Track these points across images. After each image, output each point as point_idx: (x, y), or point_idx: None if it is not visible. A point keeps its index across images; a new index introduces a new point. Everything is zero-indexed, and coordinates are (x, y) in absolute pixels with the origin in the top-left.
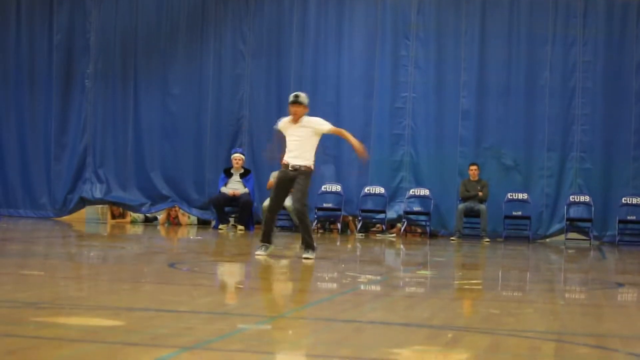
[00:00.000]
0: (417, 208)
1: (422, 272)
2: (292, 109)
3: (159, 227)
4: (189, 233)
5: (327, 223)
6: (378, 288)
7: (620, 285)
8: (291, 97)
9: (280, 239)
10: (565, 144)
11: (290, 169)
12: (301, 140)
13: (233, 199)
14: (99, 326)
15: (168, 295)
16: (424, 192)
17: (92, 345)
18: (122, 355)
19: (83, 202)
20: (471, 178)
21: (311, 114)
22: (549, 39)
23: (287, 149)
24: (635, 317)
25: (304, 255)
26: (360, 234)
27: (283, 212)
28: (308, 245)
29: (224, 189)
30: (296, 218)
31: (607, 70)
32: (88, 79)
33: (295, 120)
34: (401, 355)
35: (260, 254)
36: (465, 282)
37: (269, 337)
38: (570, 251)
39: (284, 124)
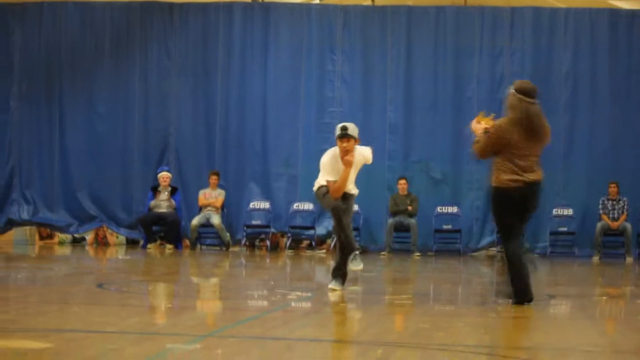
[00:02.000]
0: None
1: (353, 287)
2: (342, 144)
3: (87, 248)
4: (118, 253)
5: (257, 240)
6: (308, 305)
7: (552, 297)
8: (338, 130)
9: (209, 256)
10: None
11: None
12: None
13: (161, 218)
14: (27, 348)
15: (96, 316)
16: (354, 207)
17: None
18: None
19: (10, 224)
20: (400, 192)
21: (241, 129)
22: (476, 51)
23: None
24: (566, 329)
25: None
26: (290, 251)
27: (212, 231)
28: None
29: (153, 203)
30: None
31: (535, 80)
32: (13, 100)
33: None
34: None
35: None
36: (395, 297)
37: (198, 357)
38: (501, 264)
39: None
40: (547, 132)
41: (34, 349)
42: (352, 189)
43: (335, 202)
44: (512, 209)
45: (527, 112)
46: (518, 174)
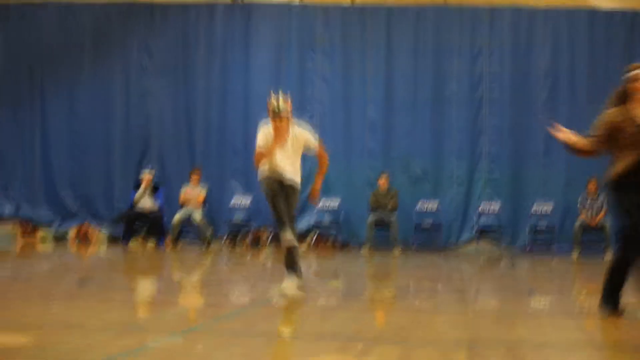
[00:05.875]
0: (327, 219)
1: (333, 283)
2: (274, 123)
3: (69, 244)
4: (99, 249)
5: (238, 236)
6: (289, 300)
7: (531, 292)
8: (271, 112)
9: (191, 252)
10: (474, 153)
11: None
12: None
13: (143, 215)
14: (7, 345)
15: (77, 312)
16: (334, 203)
17: None
18: None
19: None
20: (381, 189)
21: (222, 127)
22: (455, 50)
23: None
24: (546, 324)
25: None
26: (271, 247)
27: (194, 227)
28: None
29: (135, 199)
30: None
31: (514, 80)
32: None
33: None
34: None
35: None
36: (376, 293)
37: (179, 352)
38: (481, 260)
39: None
40: None
41: (14, 344)
42: (291, 174)
43: (270, 187)
44: None
45: None
46: None
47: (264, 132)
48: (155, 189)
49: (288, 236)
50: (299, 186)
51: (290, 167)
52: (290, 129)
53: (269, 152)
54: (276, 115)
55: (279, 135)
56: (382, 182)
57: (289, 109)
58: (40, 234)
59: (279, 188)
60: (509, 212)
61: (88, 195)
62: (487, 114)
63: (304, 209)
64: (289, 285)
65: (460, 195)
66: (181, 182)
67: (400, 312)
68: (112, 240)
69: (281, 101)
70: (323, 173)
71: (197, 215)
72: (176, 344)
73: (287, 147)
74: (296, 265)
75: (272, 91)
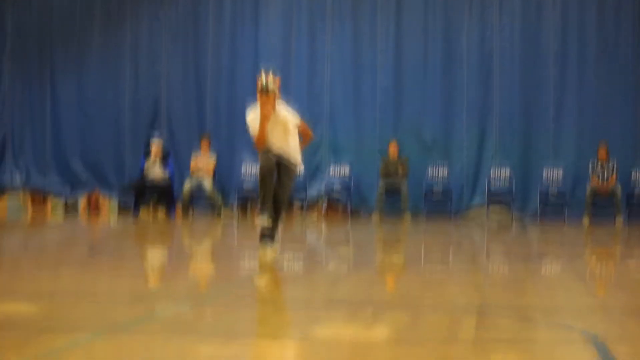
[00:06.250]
0: (337, 187)
1: (344, 250)
2: (261, 97)
3: (79, 214)
4: (110, 219)
5: (248, 205)
6: (299, 266)
7: (542, 257)
8: (259, 86)
9: (201, 221)
10: (484, 119)
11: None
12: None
13: (153, 184)
14: (17, 313)
15: (87, 281)
16: (344, 170)
17: (6, 333)
18: (37, 341)
19: (3, 191)
20: (391, 156)
21: (232, 96)
22: (465, 11)
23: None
24: (556, 288)
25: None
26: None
27: (204, 195)
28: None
29: (146, 168)
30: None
31: (523, 36)
32: (5, 66)
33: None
34: (321, 333)
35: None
36: (386, 258)
37: (188, 320)
38: (492, 225)
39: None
40: None
41: (22, 312)
42: (285, 151)
43: (265, 163)
44: None
45: None
46: None
47: (252, 117)
48: (165, 158)
49: (263, 222)
50: (296, 163)
51: (284, 145)
52: (276, 107)
53: (261, 129)
54: (263, 91)
55: (265, 109)
56: (392, 149)
57: (277, 86)
58: (50, 203)
59: (274, 166)
60: (520, 178)
61: (98, 163)
62: (497, 77)
63: (314, 176)
64: (273, 248)
65: (471, 161)
66: (191, 151)
67: (411, 278)
68: (123, 209)
69: (270, 78)
70: (304, 143)
71: (207, 184)
72: (185, 312)
73: (275, 124)
74: (274, 233)
75: (262, 69)
